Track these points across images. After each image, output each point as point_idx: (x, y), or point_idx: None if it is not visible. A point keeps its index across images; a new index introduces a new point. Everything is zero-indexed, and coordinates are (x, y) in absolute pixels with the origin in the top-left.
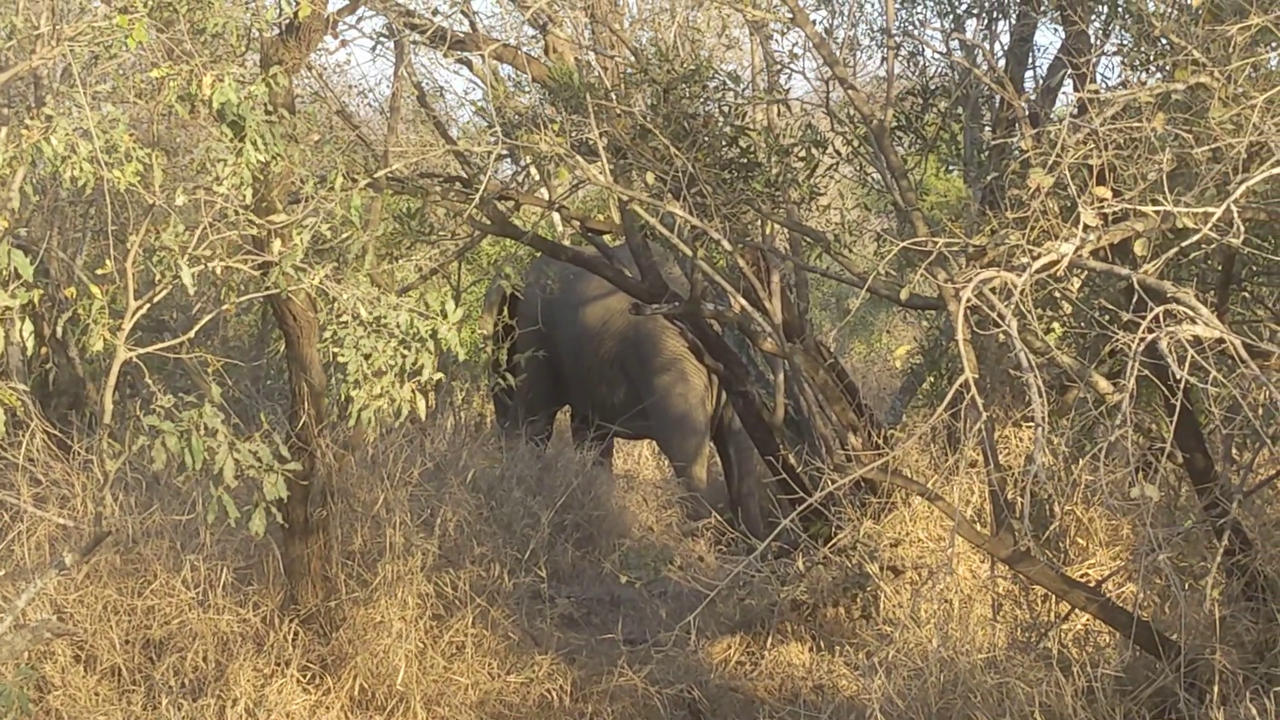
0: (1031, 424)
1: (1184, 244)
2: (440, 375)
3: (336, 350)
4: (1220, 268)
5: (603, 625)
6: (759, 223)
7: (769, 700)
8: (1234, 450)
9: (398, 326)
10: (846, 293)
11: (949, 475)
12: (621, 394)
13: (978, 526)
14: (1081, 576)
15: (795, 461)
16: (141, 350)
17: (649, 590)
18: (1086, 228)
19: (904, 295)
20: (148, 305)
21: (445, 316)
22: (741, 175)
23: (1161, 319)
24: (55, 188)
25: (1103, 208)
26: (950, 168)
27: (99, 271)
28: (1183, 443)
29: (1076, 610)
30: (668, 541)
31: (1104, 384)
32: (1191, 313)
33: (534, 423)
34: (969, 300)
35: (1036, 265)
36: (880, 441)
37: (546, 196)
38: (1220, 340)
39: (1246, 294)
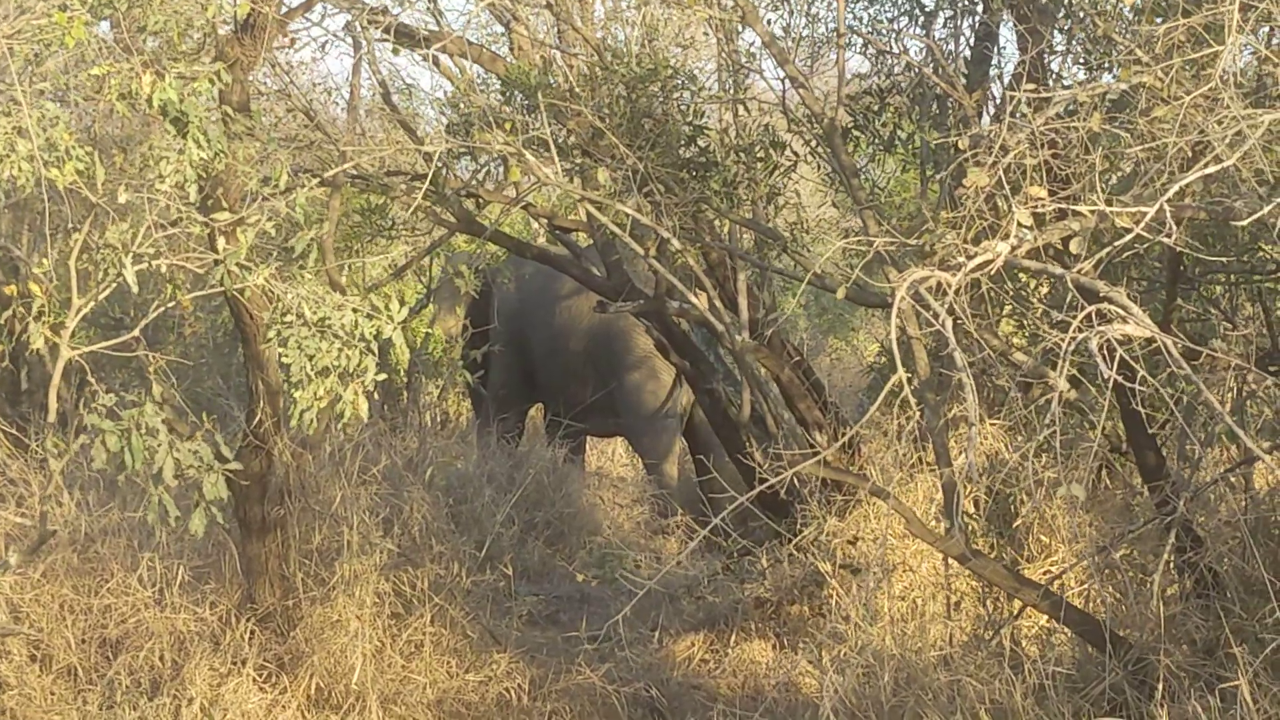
0: (998, 420)
1: (1118, 243)
2: (384, 376)
3: (281, 350)
4: (1167, 267)
5: (569, 623)
6: (717, 222)
7: (730, 698)
8: (1188, 448)
9: (342, 327)
10: (824, 291)
11: (911, 473)
12: (592, 391)
13: (941, 524)
14: (1043, 573)
15: (761, 459)
16: (85, 349)
17: (616, 588)
18: (1022, 227)
19: (841, 293)
20: (91, 303)
21: (391, 318)
22: (698, 175)
23: (1094, 318)
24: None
25: (1037, 207)
26: (907, 167)
27: (35, 270)
28: (1134, 440)
29: (1030, 608)
30: (637, 539)
31: (1060, 382)
32: (1123, 312)
33: (505, 420)
34: (903, 299)
35: (971, 265)
36: (844, 440)
37: (514, 193)
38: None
39: (1199, 294)
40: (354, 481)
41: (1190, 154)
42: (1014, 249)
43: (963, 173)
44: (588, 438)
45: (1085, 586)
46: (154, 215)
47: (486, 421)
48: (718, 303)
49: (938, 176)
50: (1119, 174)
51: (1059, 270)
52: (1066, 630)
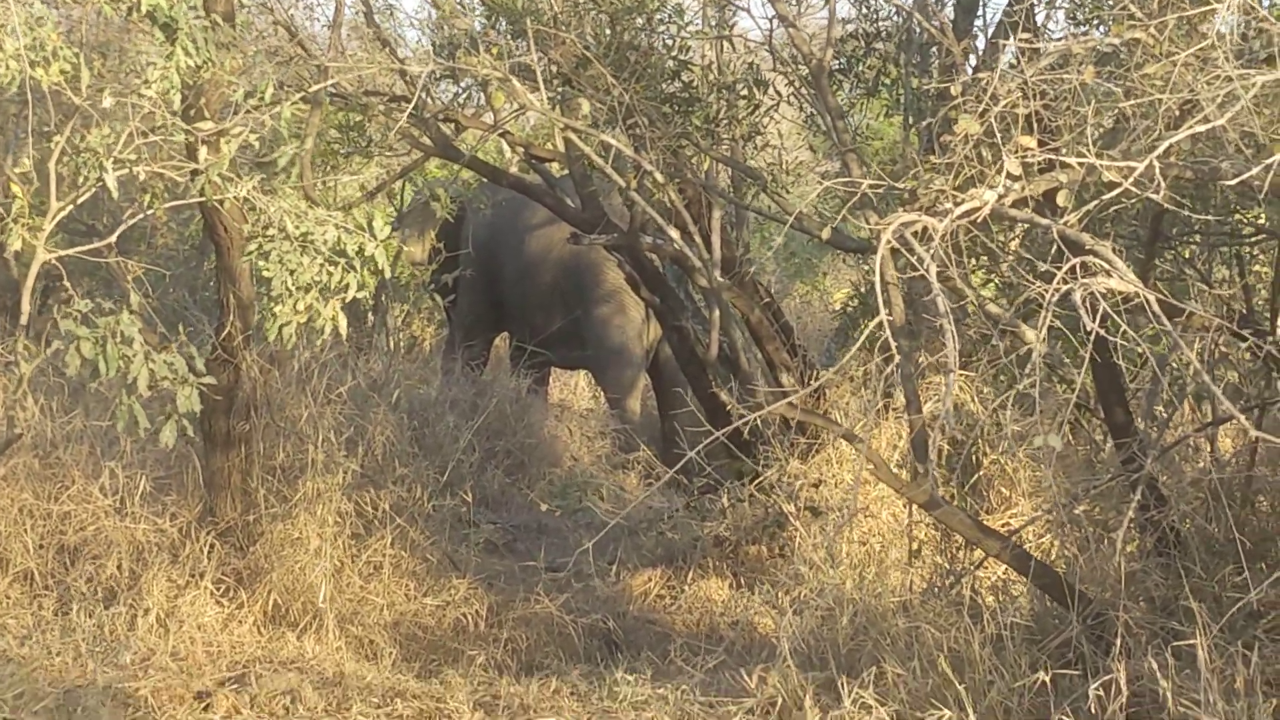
0: (965, 370)
1: (1105, 197)
2: (366, 293)
3: (261, 263)
4: (1148, 225)
5: (526, 552)
6: (697, 158)
7: (686, 634)
8: (1156, 407)
9: (324, 243)
10: (794, 234)
11: (878, 419)
12: (559, 323)
13: (904, 471)
14: (1003, 525)
15: (727, 398)
16: (61, 253)
17: (574, 520)
18: (1010, 176)
19: (825, 234)
20: (70, 207)
21: (374, 234)
22: (681, 110)
23: (1078, 270)
24: None
25: (1027, 157)
26: (891, 112)
27: (17, 170)
28: (1104, 396)
29: (991, 559)
30: (597, 472)
31: (1030, 334)
32: (1108, 266)
33: (471, 347)
34: (889, 243)
35: (958, 211)
36: (811, 382)
37: (491, 120)
38: (1137, 295)
39: (1175, 253)
40: (320, 400)
41: (1178, 112)
42: (1000, 198)
43: (951, 120)
44: (552, 369)
45: (1041, 540)
46: (137, 121)
47: (452, 348)
48: (697, 239)
49: (923, 123)
50: (1101, 129)
51: (1045, 221)
52: (1024, 582)
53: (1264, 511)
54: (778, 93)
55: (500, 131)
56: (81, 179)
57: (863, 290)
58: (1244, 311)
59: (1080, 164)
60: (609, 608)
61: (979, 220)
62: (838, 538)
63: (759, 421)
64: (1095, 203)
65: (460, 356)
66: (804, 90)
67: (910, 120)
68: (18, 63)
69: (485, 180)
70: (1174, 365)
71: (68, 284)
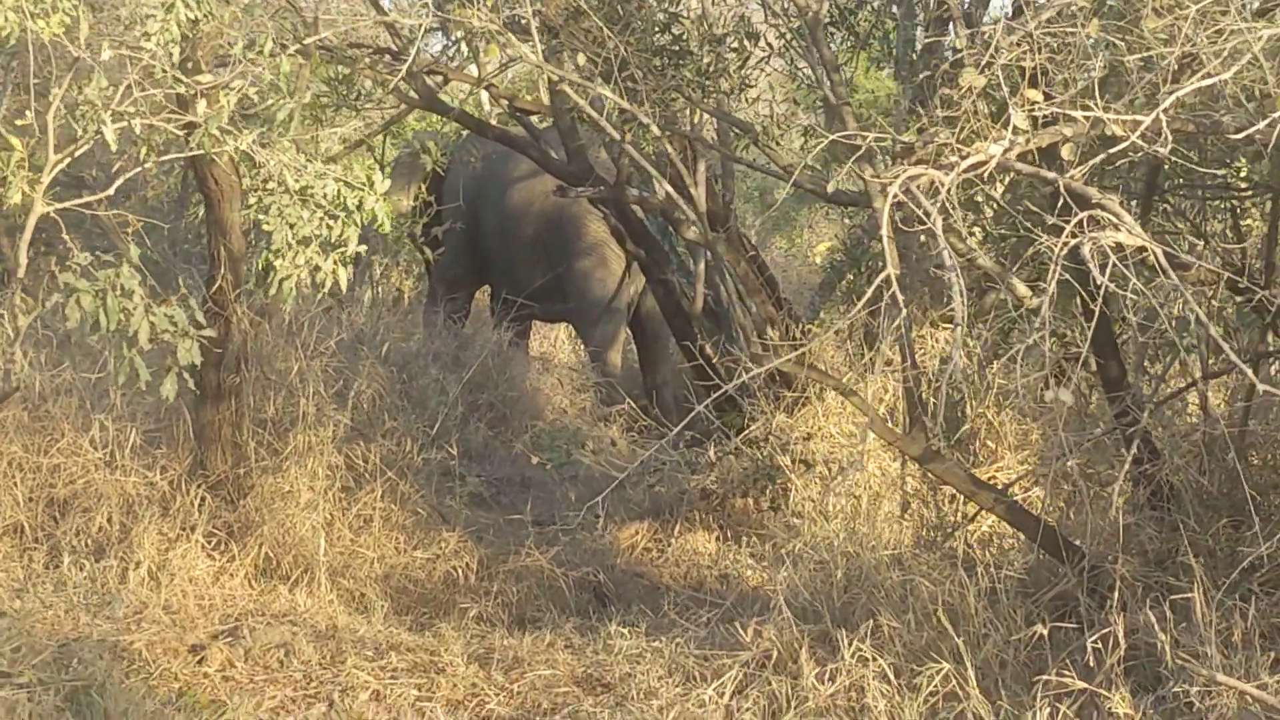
0: (950, 324)
1: (1111, 151)
2: (364, 247)
3: (261, 217)
4: (1144, 178)
5: (511, 505)
6: (688, 111)
7: (673, 587)
8: (1146, 361)
9: (324, 196)
10: (771, 186)
11: (864, 372)
12: (541, 276)
13: (889, 424)
14: (989, 479)
15: (712, 351)
16: (59, 205)
17: (559, 473)
18: (1016, 130)
19: (831, 188)
20: (68, 160)
21: (373, 188)
22: (672, 63)
23: (1085, 225)
24: None
25: (1033, 111)
26: (881, 65)
27: (19, 123)
28: (1099, 350)
29: (983, 512)
30: (580, 425)
31: (1023, 288)
32: (1115, 219)
33: (453, 300)
34: (895, 197)
35: (965, 165)
36: (798, 335)
37: (476, 73)
38: (1141, 249)
39: (1169, 206)
40: (309, 353)
41: (1177, 66)
42: (1006, 151)
43: (950, 74)
44: (533, 323)
45: (1028, 493)
46: (135, 74)
47: (434, 301)
48: (692, 191)
49: (919, 77)
50: (1088, 79)
51: (1051, 175)
52: (1015, 535)
53: (1256, 465)
54: (769, 45)
55: (486, 84)
56: (80, 131)
57: (849, 243)
58: (1238, 265)
59: (1086, 117)
60: (598, 560)
61: (985, 174)
62: (829, 491)
63: (744, 372)
64: (1101, 156)
65: (443, 310)
66: (794, 43)
67: (902, 74)
68: (17, 15)
69: (470, 133)
70: (1166, 319)
71: (67, 237)
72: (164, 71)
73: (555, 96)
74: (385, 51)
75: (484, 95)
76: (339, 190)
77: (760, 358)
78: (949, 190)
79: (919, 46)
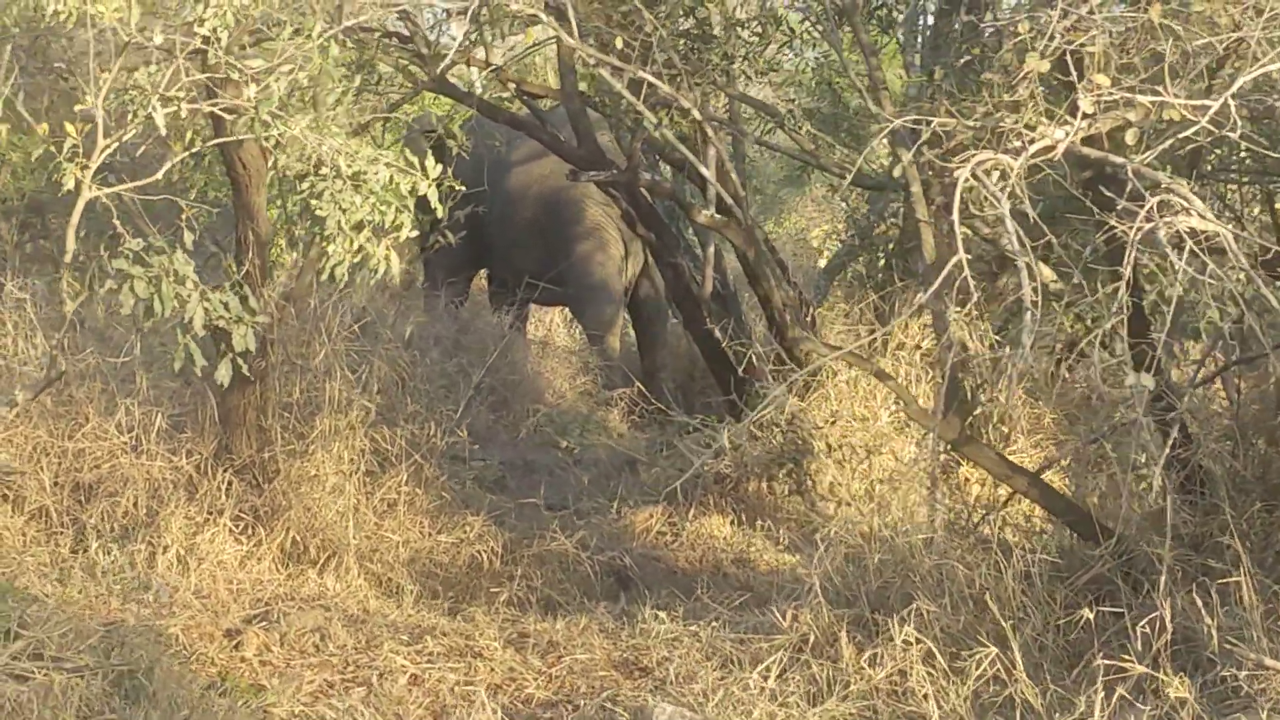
0: (966, 310)
1: (1179, 135)
2: (417, 232)
3: (314, 202)
4: (1186, 162)
5: (519, 490)
6: (706, 95)
7: (690, 571)
8: (1175, 346)
9: (377, 182)
10: (760, 171)
11: (875, 355)
12: (539, 260)
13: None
14: None
15: (720, 336)
16: (108, 190)
17: (567, 456)
18: (1084, 115)
19: (896, 172)
20: (116, 145)
21: (426, 174)
22: (697, 47)
23: (1157, 210)
24: None
25: (1100, 95)
26: (904, 50)
27: (77, 107)
28: (1136, 334)
29: (1015, 497)
30: (581, 409)
31: (1048, 272)
32: (1186, 204)
33: (454, 284)
34: (967, 181)
35: (1032, 149)
36: (811, 318)
37: (483, 57)
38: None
39: (1212, 193)
40: (334, 337)
41: (1222, 52)
42: (1071, 136)
43: (987, 58)
44: (531, 306)
45: (1047, 476)
46: (184, 59)
47: (434, 285)
48: (728, 171)
49: (959, 62)
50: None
51: (1120, 160)
52: (1045, 519)
53: None
54: (791, 30)
55: (494, 68)
56: (131, 116)
57: (863, 225)
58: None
59: (1152, 102)
60: (618, 544)
61: (1053, 159)
62: (853, 476)
63: (752, 358)
64: (1170, 140)
65: (444, 293)
66: (817, 27)
67: (910, 60)
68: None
69: (469, 117)
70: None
71: (118, 223)
72: (216, 56)
73: (564, 80)
74: (393, 35)
75: (474, 73)
76: (391, 175)
77: (803, 339)
78: (1017, 175)
79: (945, 31)
